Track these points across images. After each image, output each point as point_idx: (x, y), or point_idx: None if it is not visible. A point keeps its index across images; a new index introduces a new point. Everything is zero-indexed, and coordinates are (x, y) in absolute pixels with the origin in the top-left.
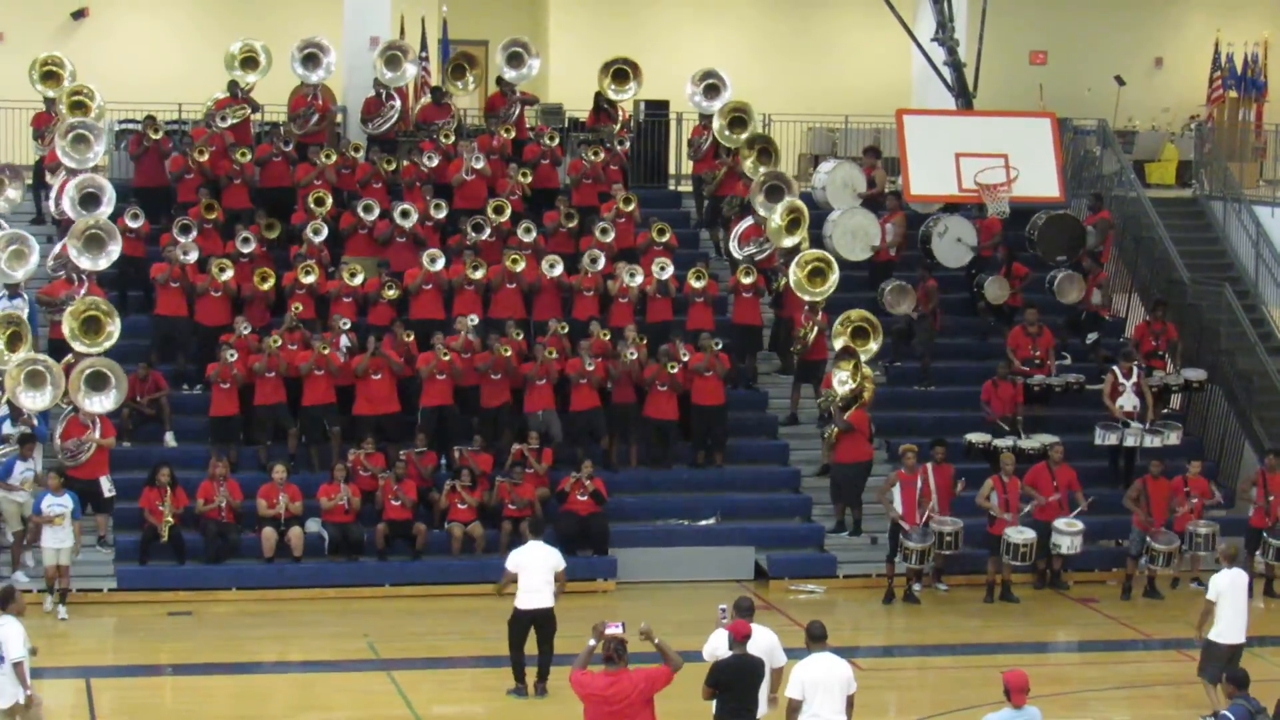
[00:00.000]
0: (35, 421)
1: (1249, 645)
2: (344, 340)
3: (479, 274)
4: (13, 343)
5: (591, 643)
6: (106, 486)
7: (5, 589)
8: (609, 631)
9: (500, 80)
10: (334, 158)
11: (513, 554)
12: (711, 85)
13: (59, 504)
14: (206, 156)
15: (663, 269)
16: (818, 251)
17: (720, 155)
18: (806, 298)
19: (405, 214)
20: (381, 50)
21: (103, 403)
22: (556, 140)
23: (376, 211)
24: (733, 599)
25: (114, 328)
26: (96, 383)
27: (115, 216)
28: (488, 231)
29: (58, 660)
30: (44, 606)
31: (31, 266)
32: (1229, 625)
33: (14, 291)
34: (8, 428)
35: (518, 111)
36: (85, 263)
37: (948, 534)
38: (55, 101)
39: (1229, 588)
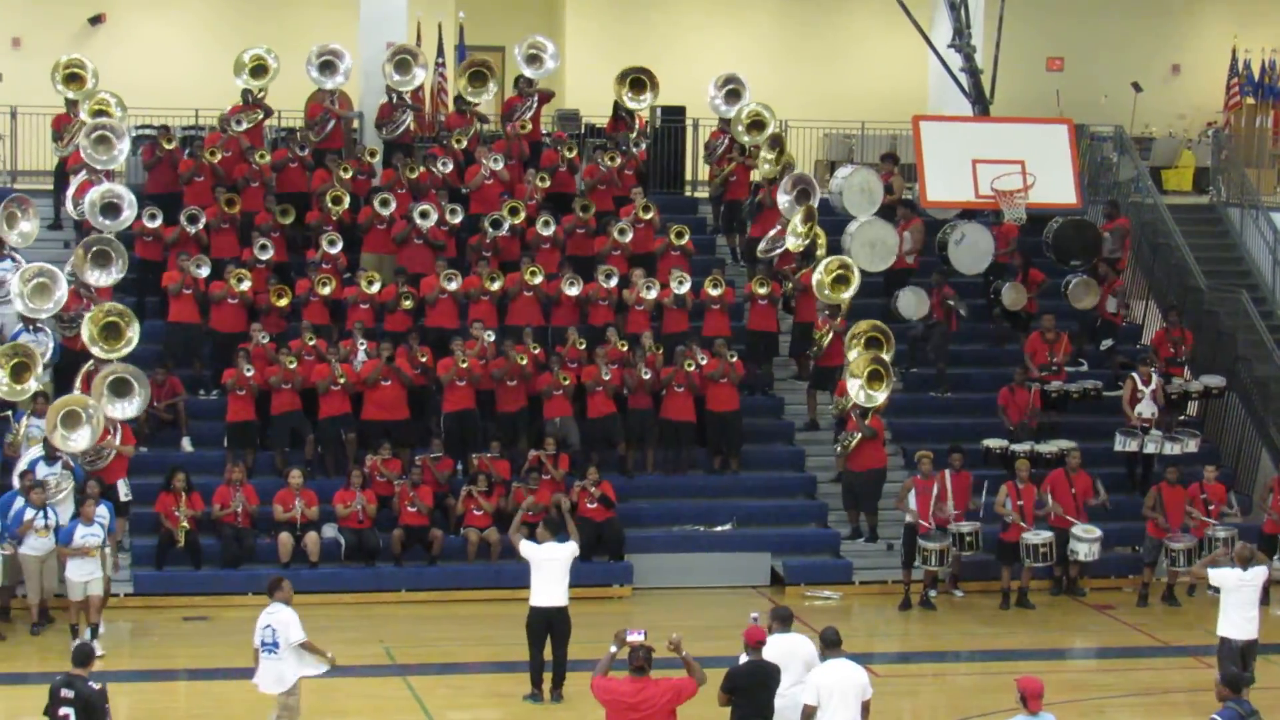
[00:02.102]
0: (73, 464)
1: (1262, 652)
2: (362, 351)
3: (495, 286)
4: (18, 373)
5: (613, 649)
6: (123, 491)
7: (274, 578)
8: (631, 639)
9: (518, 79)
10: (349, 172)
11: (529, 545)
12: (733, 90)
13: (91, 534)
14: (219, 158)
15: (680, 283)
16: (843, 258)
17: (733, 155)
18: (826, 301)
19: (425, 214)
20: (391, 55)
21: (125, 409)
22: (575, 151)
23: (394, 205)
24: (765, 609)
25: (133, 334)
26: (119, 389)
27: (134, 220)
28: (505, 227)
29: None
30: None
31: (59, 299)
32: (1239, 622)
33: (36, 326)
34: (43, 468)
35: (534, 104)
36: (92, 277)
37: (967, 534)
38: (76, 103)
39: (1238, 584)
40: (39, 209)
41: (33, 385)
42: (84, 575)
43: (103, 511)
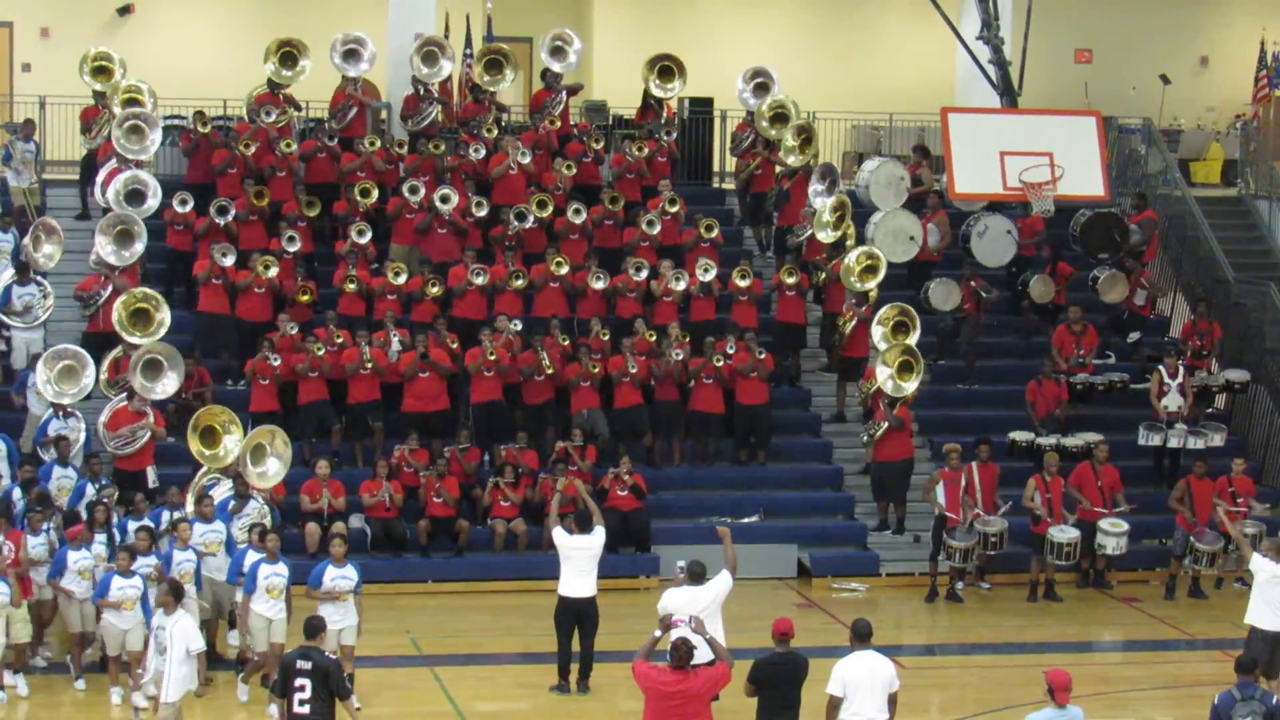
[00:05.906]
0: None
1: None
2: (395, 342)
3: (519, 283)
4: (208, 438)
5: (657, 634)
6: (152, 477)
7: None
8: (677, 635)
9: (545, 72)
10: (377, 144)
11: (561, 533)
12: (761, 84)
13: (343, 577)
14: (253, 150)
15: (706, 270)
16: (872, 249)
17: (758, 148)
18: (854, 290)
19: (445, 199)
20: (419, 47)
21: (165, 387)
22: (601, 143)
23: (422, 192)
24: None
25: (164, 317)
26: (151, 371)
27: (162, 209)
28: (530, 220)
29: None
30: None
31: (86, 386)
32: (1266, 613)
33: (67, 412)
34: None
35: (563, 101)
36: (112, 256)
37: (993, 534)
38: (105, 95)
39: (1270, 577)
40: (66, 199)
41: (230, 450)
42: (335, 622)
43: (283, 568)
